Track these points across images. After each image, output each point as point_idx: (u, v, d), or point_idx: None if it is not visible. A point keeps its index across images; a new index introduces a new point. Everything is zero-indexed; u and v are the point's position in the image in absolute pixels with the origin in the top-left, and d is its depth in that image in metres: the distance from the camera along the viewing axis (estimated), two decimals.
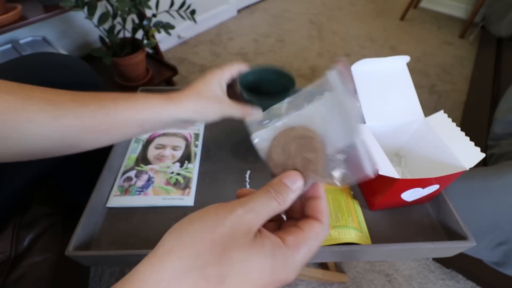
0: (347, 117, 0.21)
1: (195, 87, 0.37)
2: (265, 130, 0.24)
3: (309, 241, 0.20)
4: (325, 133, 0.22)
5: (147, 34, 1.09)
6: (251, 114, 0.39)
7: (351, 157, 0.21)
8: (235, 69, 0.41)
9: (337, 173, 0.21)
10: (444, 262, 0.83)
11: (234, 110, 0.38)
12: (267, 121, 0.25)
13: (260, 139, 0.24)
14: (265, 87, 0.49)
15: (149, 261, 0.17)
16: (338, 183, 0.21)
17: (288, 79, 0.47)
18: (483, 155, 0.37)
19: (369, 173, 0.21)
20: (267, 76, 0.49)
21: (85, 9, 0.87)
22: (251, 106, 0.40)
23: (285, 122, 0.23)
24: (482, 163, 0.76)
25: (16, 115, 0.27)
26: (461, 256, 0.47)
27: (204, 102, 0.36)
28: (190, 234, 0.18)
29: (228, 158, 0.50)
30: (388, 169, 0.35)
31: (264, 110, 0.44)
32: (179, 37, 1.66)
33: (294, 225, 0.21)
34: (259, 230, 0.20)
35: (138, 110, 0.32)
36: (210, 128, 0.55)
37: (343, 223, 0.39)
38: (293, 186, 0.21)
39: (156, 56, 1.37)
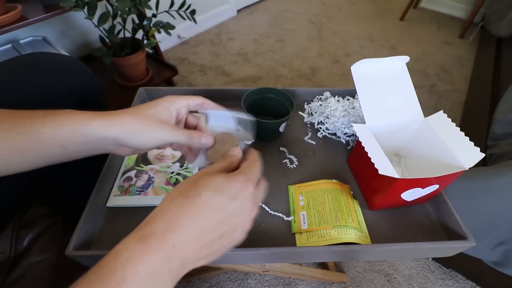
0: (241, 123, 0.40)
1: (136, 107, 0.32)
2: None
3: (249, 165, 0.30)
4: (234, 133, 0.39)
5: (147, 34, 1.10)
6: (199, 138, 0.34)
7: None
8: (195, 101, 0.36)
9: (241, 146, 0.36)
10: (444, 262, 0.83)
11: (179, 134, 0.32)
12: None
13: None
14: (267, 106, 0.55)
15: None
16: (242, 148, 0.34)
17: (287, 98, 0.52)
18: (482, 155, 0.37)
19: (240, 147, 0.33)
20: (268, 94, 0.55)
21: (85, 9, 0.87)
22: (200, 132, 0.35)
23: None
24: (482, 163, 0.76)
25: None
26: (461, 256, 0.47)
27: (141, 121, 0.30)
28: (176, 187, 0.28)
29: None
30: (388, 169, 0.36)
31: (266, 129, 0.50)
32: (179, 37, 1.66)
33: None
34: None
35: (57, 127, 0.28)
36: None
37: (342, 223, 0.39)
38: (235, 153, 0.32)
39: (156, 56, 1.37)
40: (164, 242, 0.23)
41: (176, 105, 0.33)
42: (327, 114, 0.55)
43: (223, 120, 0.39)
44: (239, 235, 0.27)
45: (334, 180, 0.46)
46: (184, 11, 1.08)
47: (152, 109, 0.31)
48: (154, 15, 1.08)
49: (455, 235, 0.39)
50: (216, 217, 0.25)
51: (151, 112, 0.31)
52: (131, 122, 0.30)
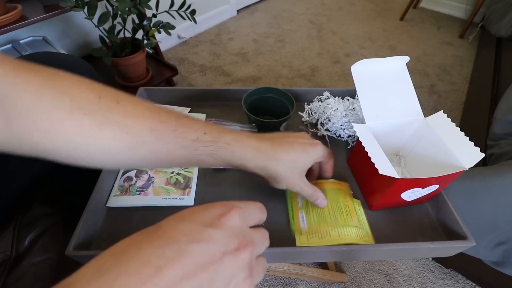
0: None
1: (293, 148, 0.34)
2: None
3: None
4: None
5: (147, 34, 1.10)
6: (317, 199, 0.37)
7: None
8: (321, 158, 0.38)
9: None
10: (444, 262, 0.83)
11: (305, 189, 0.36)
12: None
13: None
14: (267, 105, 0.55)
15: None
16: None
17: (287, 97, 0.53)
18: (482, 155, 0.37)
19: None
20: (269, 94, 0.55)
21: (85, 9, 0.87)
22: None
23: None
24: (482, 163, 0.76)
25: (91, 141, 0.25)
26: (461, 256, 0.47)
27: (290, 170, 0.34)
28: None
29: None
30: (388, 169, 0.36)
31: (266, 128, 0.51)
32: (179, 37, 1.66)
33: None
34: None
35: (216, 158, 0.30)
36: None
37: (342, 222, 0.39)
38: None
39: (156, 56, 1.37)
40: None
41: (318, 160, 0.37)
42: (328, 114, 0.55)
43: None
44: None
45: (331, 180, 0.46)
46: (184, 11, 1.08)
47: (302, 162, 0.34)
48: (154, 15, 1.08)
49: (455, 235, 0.40)
50: (177, 248, 0.16)
51: (300, 165, 0.34)
52: (280, 172, 0.33)
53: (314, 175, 0.42)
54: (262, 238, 0.22)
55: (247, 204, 0.23)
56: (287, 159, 0.33)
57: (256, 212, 0.24)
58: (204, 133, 0.29)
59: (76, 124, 0.24)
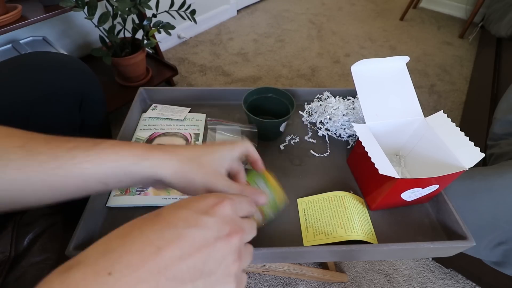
0: None
1: (192, 149, 0.29)
2: None
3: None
4: None
5: (147, 34, 1.10)
6: (253, 196, 0.29)
7: None
8: (248, 153, 0.33)
9: None
10: (444, 262, 0.83)
11: (232, 188, 0.29)
12: None
13: None
14: (267, 105, 0.55)
15: None
16: None
17: (287, 97, 0.53)
18: (482, 155, 0.37)
19: None
20: (269, 94, 0.55)
21: (85, 9, 0.87)
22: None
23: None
24: (482, 163, 0.76)
25: None
26: (461, 256, 0.47)
27: (194, 168, 0.28)
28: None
29: None
30: (388, 169, 0.36)
31: (266, 128, 0.51)
32: (179, 37, 1.66)
33: None
34: None
35: (101, 163, 0.25)
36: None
37: (346, 221, 0.39)
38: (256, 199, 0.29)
39: (156, 56, 1.37)
40: (94, 270, 0.16)
41: (234, 153, 0.31)
42: (329, 113, 0.55)
43: (230, 131, 0.43)
44: (218, 279, 0.19)
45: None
46: (184, 11, 1.08)
47: (209, 157, 0.29)
48: (154, 15, 1.08)
49: (455, 235, 0.39)
50: (175, 231, 0.18)
51: (208, 160, 0.29)
52: (183, 168, 0.27)
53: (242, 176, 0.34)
54: (250, 227, 0.24)
55: (239, 196, 0.25)
56: (185, 152, 0.28)
57: (246, 204, 0.25)
58: (84, 141, 0.26)
59: None
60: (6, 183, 0.24)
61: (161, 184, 0.28)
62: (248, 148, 0.33)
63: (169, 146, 0.29)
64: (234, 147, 0.31)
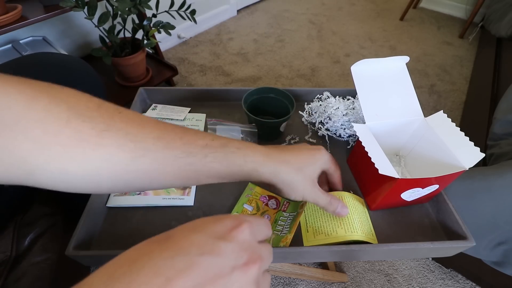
0: None
1: (299, 155, 0.33)
2: None
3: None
4: None
5: (147, 34, 1.10)
6: (336, 207, 0.36)
7: None
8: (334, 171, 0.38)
9: None
10: (444, 262, 0.83)
11: (321, 198, 0.34)
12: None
13: None
14: (267, 105, 0.55)
15: None
16: None
17: (287, 97, 0.53)
18: (482, 155, 0.37)
19: None
20: (269, 94, 0.55)
21: (85, 9, 0.87)
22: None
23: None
24: (482, 163, 0.76)
25: (89, 149, 0.22)
26: (461, 256, 0.47)
27: (300, 178, 0.32)
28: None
29: None
30: (388, 169, 0.36)
31: (266, 128, 0.51)
32: (179, 37, 1.66)
33: None
34: None
35: (227, 165, 0.28)
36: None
37: (349, 221, 0.38)
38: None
39: (156, 56, 1.37)
40: None
41: (326, 166, 0.36)
42: (329, 113, 0.55)
43: (230, 131, 0.43)
44: None
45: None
46: (184, 11, 1.08)
47: (311, 167, 0.33)
48: (154, 15, 1.08)
49: (455, 235, 0.40)
50: (187, 259, 0.17)
51: (310, 170, 0.33)
52: (292, 177, 0.31)
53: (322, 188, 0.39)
54: (269, 253, 0.22)
55: (256, 219, 0.23)
56: (295, 162, 0.32)
57: (264, 227, 0.23)
58: (212, 139, 0.28)
59: (73, 132, 0.21)
60: (141, 172, 0.25)
61: (266, 186, 0.32)
62: (329, 161, 0.36)
63: (282, 151, 0.32)
64: (329, 161, 0.36)
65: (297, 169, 0.31)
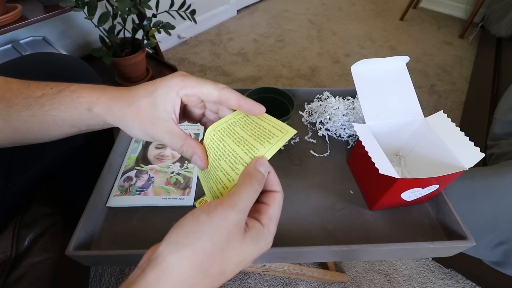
0: None
1: (135, 90, 0.27)
2: None
3: (276, 213, 0.25)
4: None
5: (147, 34, 1.10)
6: (192, 153, 0.27)
7: None
8: (211, 95, 0.27)
9: None
10: (444, 262, 0.83)
11: (173, 140, 0.27)
12: None
13: None
14: (267, 105, 0.52)
15: (154, 273, 0.19)
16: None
17: (287, 97, 0.52)
18: (482, 155, 0.37)
19: None
20: (269, 94, 0.54)
21: (85, 9, 0.87)
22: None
23: None
24: (482, 163, 0.76)
25: None
26: (461, 256, 0.47)
27: (133, 115, 0.26)
28: (191, 247, 0.20)
29: None
30: (388, 169, 0.36)
31: None
32: (179, 37, 1.66)
33: (259, 201, 0.25)
34: (246, 223, 0.23)
35: (64, 110, 0.27)
36: None
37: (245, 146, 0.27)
38: (265, 170, 0.25)
39: (156, 56, 1.37)
40: None
41: (181, 92, 0.26)
42: (329, 114, 0.55)
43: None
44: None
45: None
46: (184, 11, 1.08)
47: (148, 98, 0.26)
48: (154, 15, 1.08)
49: (455, 235, 0.40)
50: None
51: (146, 103, 0.26)
52: (125, 114, 0.26)
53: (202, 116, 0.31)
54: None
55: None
56: (131, 95, 0.27)
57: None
58: (51, 88, 0.28)
59: None
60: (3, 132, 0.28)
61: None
62: (203, 88, 0.26)
63: (123, 88, 0.28)
64: (185, 84, 0.26)
65: (130, 103, 0.26)
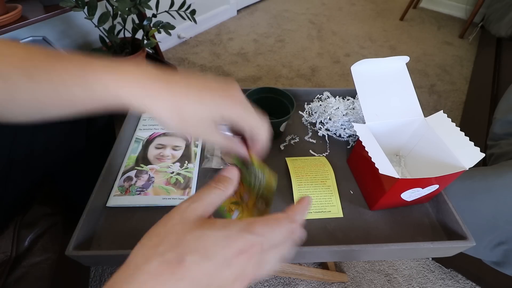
0: None
1: (176, 81, 0.26)
2: None
3: (264, 223, 0.22)
4: None
5: (147, 34, 1.10)
6: (236, 149, 0.30)
7: None
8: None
9: None
10: (444, 262, 0.83)
11: (219, 138, 0.28)
12: None
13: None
14: (267, 105, 0.54)
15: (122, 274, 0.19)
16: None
17: (287, 97, 0.53)
18: (482, 155, 0.37)
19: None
20: (269, 94, 0.55)
21: (85, 9, 0.87)
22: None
23: None
24: (482, 163, 0.76)
25: None
26: (461, 256, 0.47)
27: (174, 118, 0.26)
28: (148, 236, 0.21)
29: (228, 158, 0.50)
30: (388, 169, 0.36)
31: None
32: (179, 37, 1.66)
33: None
34: (210, 217, 0.23)
35: (88, 88, 0.25)
36: None
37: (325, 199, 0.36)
38: (230, 175, 0.26)
39: (156, 56, 1.37)
40: None
41: (218, 112, 0.27)
42: (329, 114, 0.55)
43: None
44: None
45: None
46: (184, 11, 1.08)
47: (192, 106, 0.26)
48: (154, 15, 1.08)
49: (455, 235, 0.40)
50: None
51: (190, 110, 0.26)
52: (168, 119, 0.25)
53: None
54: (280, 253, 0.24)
55: (270, 230, 0.22)
56: (168, 99, 0.25)
57: (279, 235, 0.23)
58: (73, 64, 0.26)
59: None
60: (17, 103, 0.26)
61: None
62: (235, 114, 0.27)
63: (158, 81, 0.26)
64: (227, 104, 0.27)
65: (171, 108, 0.25)
